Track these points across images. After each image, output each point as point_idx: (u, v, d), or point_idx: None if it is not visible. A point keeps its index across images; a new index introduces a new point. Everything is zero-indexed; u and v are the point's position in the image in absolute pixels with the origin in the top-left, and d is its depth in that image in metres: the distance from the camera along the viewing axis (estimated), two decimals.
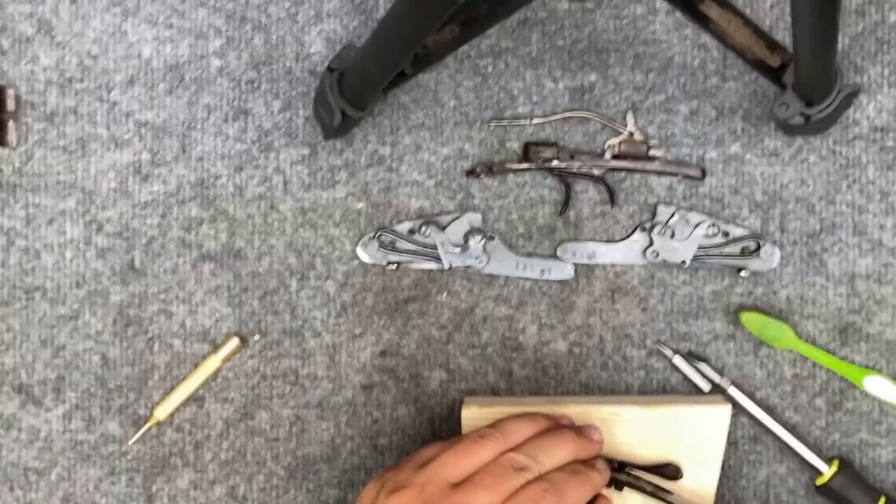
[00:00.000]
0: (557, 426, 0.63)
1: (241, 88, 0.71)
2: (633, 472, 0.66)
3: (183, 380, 0.71)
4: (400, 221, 0.71)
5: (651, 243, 0.71)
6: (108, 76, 0.71)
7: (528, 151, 0.71)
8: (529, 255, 0.72)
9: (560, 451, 0.60)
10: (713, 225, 0.70)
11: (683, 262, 0.70)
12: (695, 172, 0.71)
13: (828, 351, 0.71)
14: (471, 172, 0.71)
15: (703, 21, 0.62)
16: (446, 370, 0.72)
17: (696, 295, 0.71)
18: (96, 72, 0.71)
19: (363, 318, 0.72)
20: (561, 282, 0.72)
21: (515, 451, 0.59)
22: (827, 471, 0.69)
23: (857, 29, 0.71)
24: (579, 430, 0.63)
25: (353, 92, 0.62)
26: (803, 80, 0.60)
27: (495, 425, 0.61)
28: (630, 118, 0.71)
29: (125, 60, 0.71)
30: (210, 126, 0.71)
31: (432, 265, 0.71)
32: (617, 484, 0.66)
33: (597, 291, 0.72)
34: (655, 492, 0.66)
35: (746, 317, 0.70)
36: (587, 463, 0.62)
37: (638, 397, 0.71)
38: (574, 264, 0.71)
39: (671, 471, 0.67)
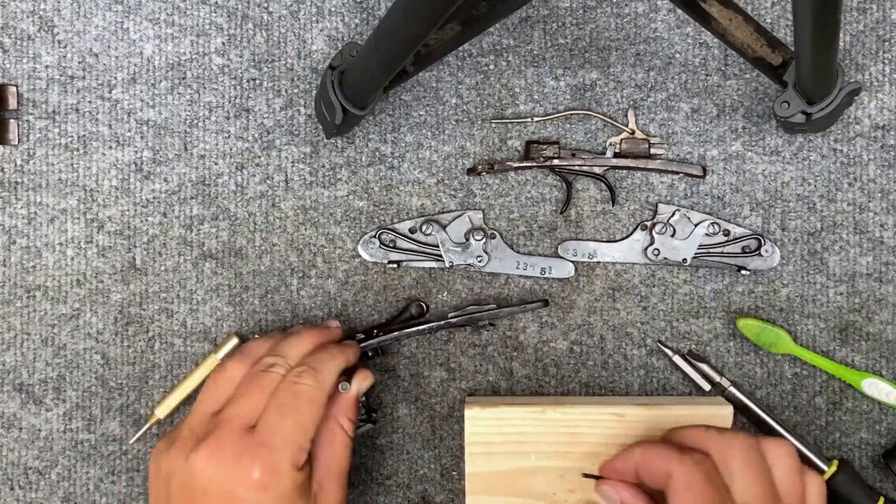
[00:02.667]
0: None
1: (242, 86, 0.71)
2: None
3: (184, 379, 0.71)
4: (401, 220, 0.71)
5: (652, 242, 0.71)
6: (110, 74, 0.71)
7: (529, 149, 0.71)
8: (530, 253, 0.72)
9: (301, 343, 0.64)
10: (714, 223, 0.70)
11: (684, 260, 0.70)
12: (696, 171, 0.71)
13: (828, 350, 0.71)
14: (472, 170, 0.71)
15: (704, 19, 0.62)
16: (447, 369, 0.72)
17: (697, 294, 0.71)
18: (98, 70, 0.71)
19: (364, 316, 0.72)
20: (562, 280, 0.72)
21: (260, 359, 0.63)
22: (827, 471, 0.69)
23: (859, 27, 0.71)
24: (317, 326, 0.69)
25: (354, 90, 0.62)
26: (804, 79, 0.60)
27: (236, 351, 0.66)
28: (631, 116, 0.71)
29: (127, 58, 0.71)
30: (211, 124, 0.71)
31: (433, 264, 0.71)
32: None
33: (597, 290, 0.72)
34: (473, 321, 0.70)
35: (743, 323, 0.70)
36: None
37: (640, 398, 0.71)
38: (575, 263, 0.71)
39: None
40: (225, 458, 0.57)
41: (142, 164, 0.71)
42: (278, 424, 0.59)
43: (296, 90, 0.72)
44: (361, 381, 0.66)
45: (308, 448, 0.60)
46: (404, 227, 0.71)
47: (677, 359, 0.71)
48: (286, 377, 0.61)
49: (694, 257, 0.71)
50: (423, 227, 0.71)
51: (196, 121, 0.71)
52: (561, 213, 0.71)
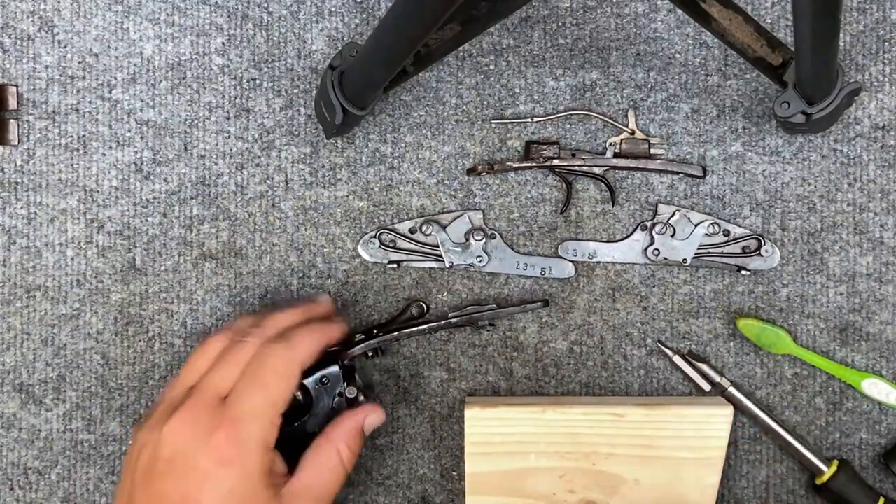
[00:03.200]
0: None
1: (242, 86, 0.71)
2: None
3: None
4: (401, 220, 0.71)
5: (652, 242, 0.71)
6: (110, 74, 0.71)
7: (529, 150, 0.71)
8: (530, 253, 0.72)
9: (284, 317, 0.64)
10: (714, 224, 0.70)
11: (684, 260, 0.70)
12: (696, 171, 0.71)
13: (828, 350, 0.71)
14: (472, 171, 0.71)
15: (704, 19, 0.62)
16: (447, 369, 0.72)
17: (697, 294, 0.71)
18: (98, 70, 0.71)
19: (364, 316, 0.72)
20: (562, 280, 0.72)
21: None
22: (827, 471, 0.69)
23: (859, 27, 0.71)
24: (305, 301, 0.68)
25: (354, 90, 0.62)
26: (804, 79, 0.60)
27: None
28: (631, 116, 0.71)
29: (127, 58, 0.71)
30: (211, 124, 0.71)
31: (433, 264, 0.71)
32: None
33: (597, 290, 0.72)
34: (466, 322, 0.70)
35: (743, 323, 0.70)
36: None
37: (640, 398, 0.71)
38: (575, 263, 0.71)
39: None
40: (194, 427, 0.56)
41: (142, 164, 0.71)
42: (247, 397, 0.58)
43: (296, 90, 0.72)
44: (370, 413, 0.64)
45: (279, 424, 0.58)
46: (404, 227, 0.71)
47: (677, 359, 0.71)
48: (262, 345, 0.60)
49: (694, 257, 0.71)
50: (423, 228, 0.71)
51: (196, 121, 0.71)
52: (561, 213, 0.71)
